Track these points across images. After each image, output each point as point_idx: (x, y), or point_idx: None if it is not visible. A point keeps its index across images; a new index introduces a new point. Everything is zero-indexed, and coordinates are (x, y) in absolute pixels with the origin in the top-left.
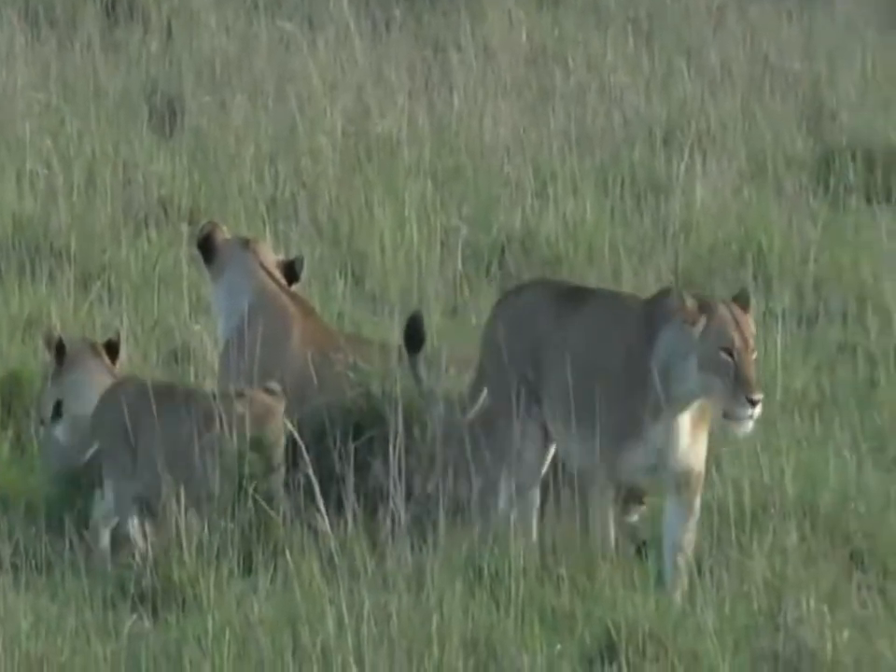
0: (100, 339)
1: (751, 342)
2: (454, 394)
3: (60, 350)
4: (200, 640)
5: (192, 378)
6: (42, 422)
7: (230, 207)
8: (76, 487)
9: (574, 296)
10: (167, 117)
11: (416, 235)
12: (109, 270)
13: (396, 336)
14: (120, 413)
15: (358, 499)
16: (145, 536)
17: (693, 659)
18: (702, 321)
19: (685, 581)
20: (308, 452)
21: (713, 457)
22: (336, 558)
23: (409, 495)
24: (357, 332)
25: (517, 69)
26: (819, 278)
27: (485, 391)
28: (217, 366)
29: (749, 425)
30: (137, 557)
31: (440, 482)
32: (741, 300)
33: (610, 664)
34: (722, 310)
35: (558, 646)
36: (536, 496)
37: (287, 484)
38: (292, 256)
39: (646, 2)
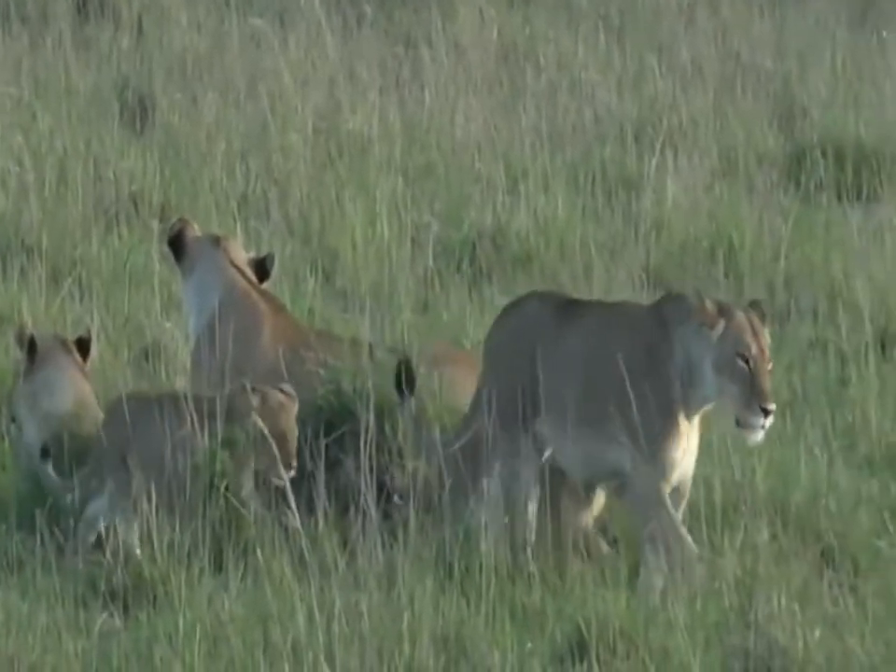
0: (71, 335)
1: (767, 351)
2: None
3: (31, 347)
4: (171, 638)
5: (163, 375)
6: (13, 419)
7: (200, 204)
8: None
9: (574, 306)
10: (138, 113)
11: (387, 232)
12: (80, 266)
13: (366, 333)
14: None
15: (329, 497)
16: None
17: (663, 656)
18: (721, 324)
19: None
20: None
21: None
22: (307, 556)
23: (380, 492)
24: (328, 329)
25: (488, 66)
26: (789, 275)
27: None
28: (188, 363)
29: (761, 434)
30: (108, 555)
31: (411, 480)
32: (757, 308)
33: (581, 661)
34: (741, 316)
35: (529, 643)
36: (532, 506)
37: (256, 482)
38: (263, 253)
39: None
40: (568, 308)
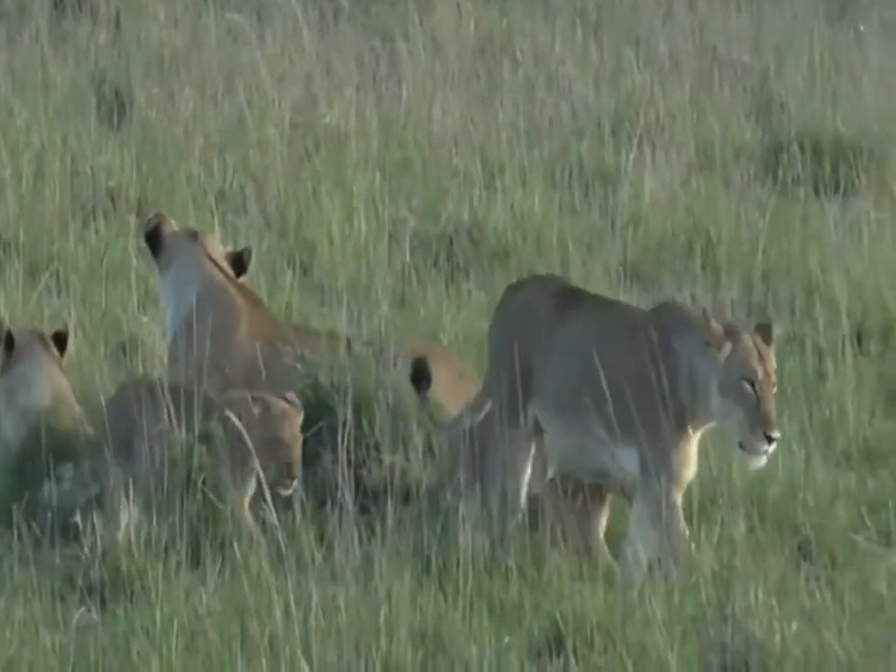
0: (48, 330)
1: (773, 376)
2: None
3: (9, 342)
4: (148, 632)
5: (140, 370)
6: None
7: (178, 199)
8: (24, 479)
9: (575, 295)
10: (115, 108)
11: (364, 227)
12: (57, 261)
13: (343, 327)
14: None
15: (307, 491)
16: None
17: (641, 651)
18: (727, 347)
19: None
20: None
21: None
22: (284, 550)
23: (357, 486)
24: (305, 323)
25: (465, 61)
26: (767, 270)
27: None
28: (165, 358)
29: (764, 460)
30: (86, 550)
31: (388, 474)
32: (763, 331)
33: (558, 655)
34: (747, 339)
35: (506, 638)
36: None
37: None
38: (240, 247)
39: None
40: (569, 295)
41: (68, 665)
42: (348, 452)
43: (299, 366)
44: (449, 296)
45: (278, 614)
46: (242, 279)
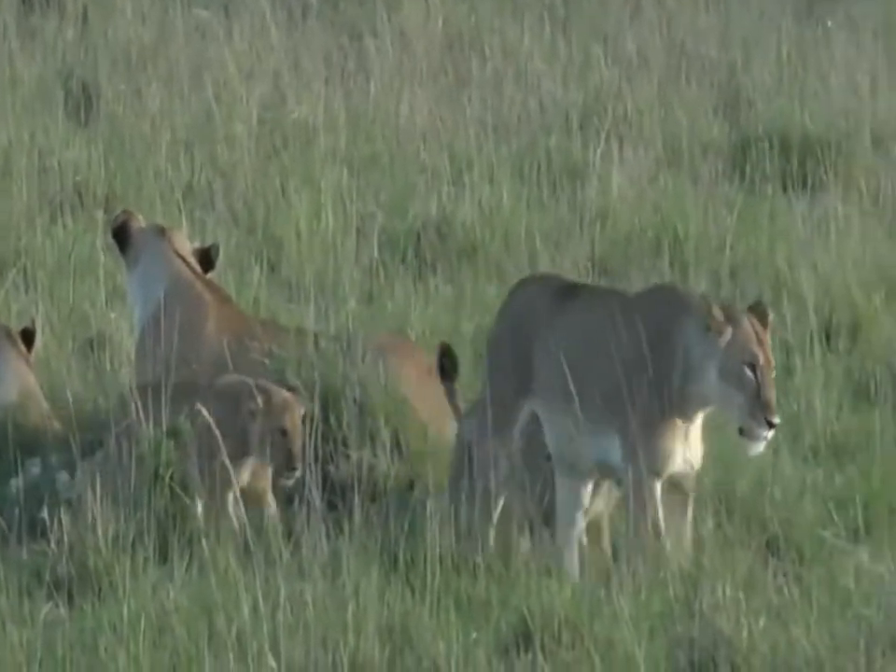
0: (15, 326)
1: (772, 360)
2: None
3: None
4: (115, 628)
5: (108, 366)
6: None
7: (145, 194)
8: None
9: (573, 289)
10: (83, 104)
11: (332, 222)
12: (25, 257)
13: (311, 323)
14: None
15: (274, 487)
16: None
17: (608, 646)
18: (728, 332)
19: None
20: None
21: None
22: (252, 546)
23: (324, 482)
24: (273, 319)
25: (433, 56)
26: (734, 266)
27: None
28: (133, 353)
29: (763, 445)
30: (53, 545)
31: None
32: (758, 312)
33: (526, 651)
34: (747, 323)
35: (474, 634)
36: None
37: (202, 473)
38: (208, 243)
39: None
40: (568, 290)
41: (35, 661)
42: (315, 447)
43: (266, 361)
44: (417, 291)
45: (246, 610)
46: (209, 275)
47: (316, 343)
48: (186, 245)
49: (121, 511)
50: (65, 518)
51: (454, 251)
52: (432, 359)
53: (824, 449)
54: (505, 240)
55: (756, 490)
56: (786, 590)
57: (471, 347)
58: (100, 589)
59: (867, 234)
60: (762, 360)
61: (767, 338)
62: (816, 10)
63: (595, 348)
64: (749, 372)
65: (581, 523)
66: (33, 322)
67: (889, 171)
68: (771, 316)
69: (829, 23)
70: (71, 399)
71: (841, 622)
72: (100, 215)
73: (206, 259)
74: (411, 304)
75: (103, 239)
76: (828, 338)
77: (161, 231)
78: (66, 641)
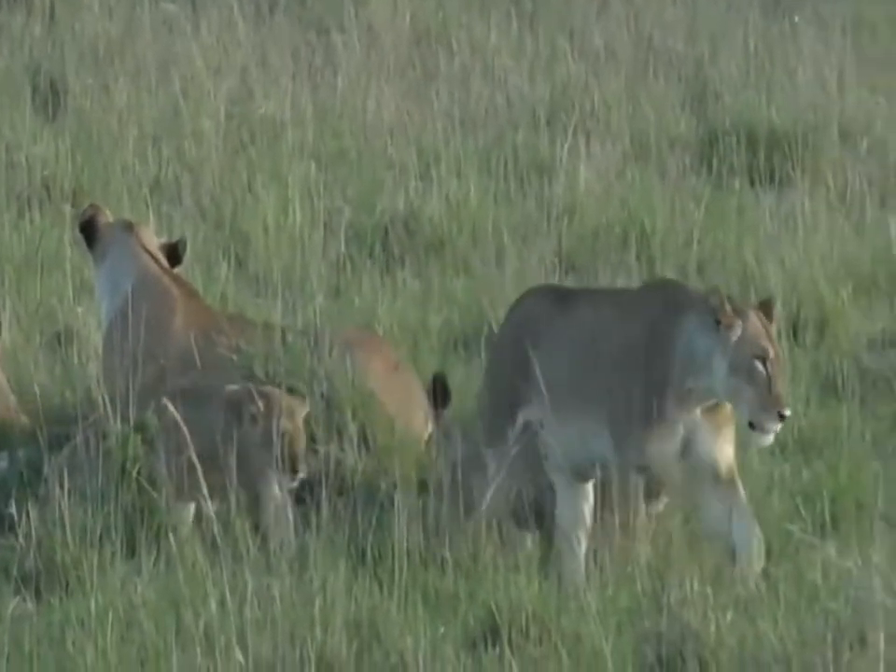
0: None
1: (781, 353)
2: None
3: None
4: (83, 623)
5: (76, 360)
6: None
7: (112, 189)
8: None
9: (575, 295)
10: (50, 99)
11: (300, 217)
12: None
13: (279, 318)
14: None
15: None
16: None
17: (576, 641)
18: (738, 326)
19: (758, 564)
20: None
21: None
22: (219, 541)
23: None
24: (241, 313)
25: (401, 51)
26: (702, 260)
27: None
28: (100, 348)
29: (772, 437)
30: (20, 539)
31: (323, 465)
32: (766, 308)
33: (494, 646)
34: (754, 318)
35: (441, 628)
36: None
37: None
38: (175, 238)
39: None
40: (568, 297)
41: (2, 656)
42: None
43: (234, 356)
44: (384, 286)
45: (213, 605)
46: (177, 270)
47: (284, 338)
48: (153, 239)
49: (89, 506)
50: (33, 512)
51: (421, 246)
52: (400, 354)
53: (791, 444)
54: (472, 234)
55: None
56: (753, 585)
57: (438, 341)
58: (67, 583)
59: (834, 229)
60: (771, 354)
61: (774, 332)
62: (783, 4)
63: (596, 346)
64: (759, 366)
65: (586, 526)
66: None
67: (856, 166)
68: (777, 311)
69: (796, 18)
70: (38, 393)
71: (808, 616)
72: (67, 209)
73: (173, 253)
74: (378, 299)
75: (70, 233)
76: (795, 333)
77: (129, 226)
78: (34, 636)
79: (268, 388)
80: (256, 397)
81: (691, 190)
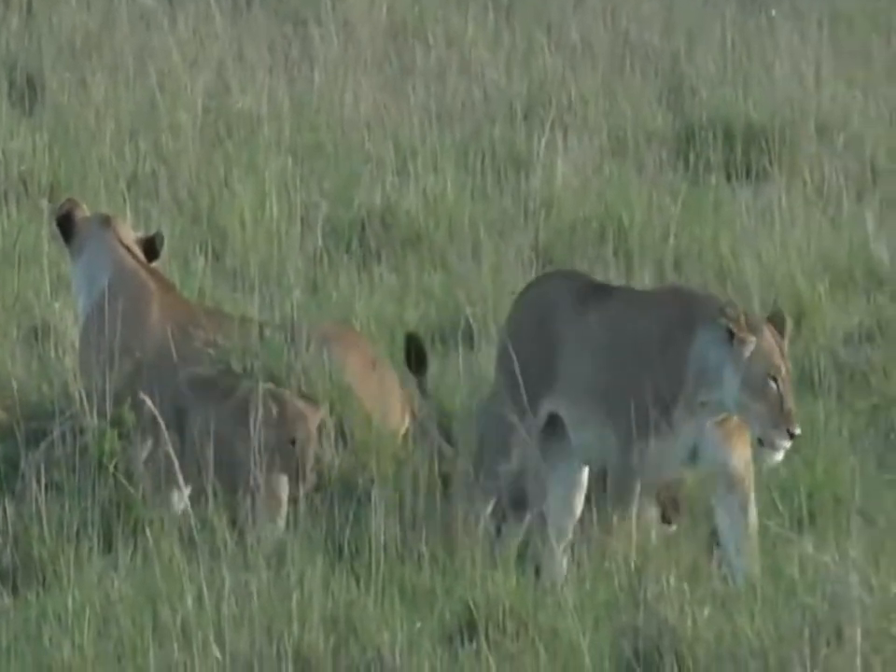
0: None
1: (790, 368)
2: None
3: None
4: (60, 618)
5: (53, 355)
6: None
7: (90, 183)
8: None
9: (598, 289)
10: (27, 93)
11: (276, 212)
12: None
13: (256, 312)
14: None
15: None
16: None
17: (553, 636)
18: (752, 342)
19: (756, 569)
20: (168, 428)
21: None
22: (196, 536)
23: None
24: (218, 307)
25: (377, 45)
26: (679, 255)
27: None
28: (77, 342)
29: (781, 455)
30: None
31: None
32: (777, 322)
33: (471, 641)
34: (768, 333)
35: (418, 623)
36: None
37: (146, 462)
38: (152, 232)
39: None
40: (591, 290)
41: None
42: (260, 436)
43: (211, 350)
44: (361, 281)
45: (190, 600)
46: (154, 264)
47: (261, 332)
48: (130, 234)
49: (66, 501)
50: (10, 508)
51: (398, 240)
52: (377, 349)
53: None
54: (449, 229)
55: (699, 480)
56: (730, 579)
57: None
58: (44, 579)
59: (811, 223)
60: (783, 371)
61: (785, 347)
62: None
63: (613, 347)
64: (771, 383)
65: (574, 517)
66: None
67: (832, 160)
68: (790, 325)
69: (773, 12)
70: (15, 388)
71: (785, 611)
72: (44, 204)
73: (151, 248)
74: (355, 293)
75: (47, 228)
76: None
77: (106, 221)
78: (10, 631)
79: (283, 391)
80: (268, 401)
81: (668, 185)
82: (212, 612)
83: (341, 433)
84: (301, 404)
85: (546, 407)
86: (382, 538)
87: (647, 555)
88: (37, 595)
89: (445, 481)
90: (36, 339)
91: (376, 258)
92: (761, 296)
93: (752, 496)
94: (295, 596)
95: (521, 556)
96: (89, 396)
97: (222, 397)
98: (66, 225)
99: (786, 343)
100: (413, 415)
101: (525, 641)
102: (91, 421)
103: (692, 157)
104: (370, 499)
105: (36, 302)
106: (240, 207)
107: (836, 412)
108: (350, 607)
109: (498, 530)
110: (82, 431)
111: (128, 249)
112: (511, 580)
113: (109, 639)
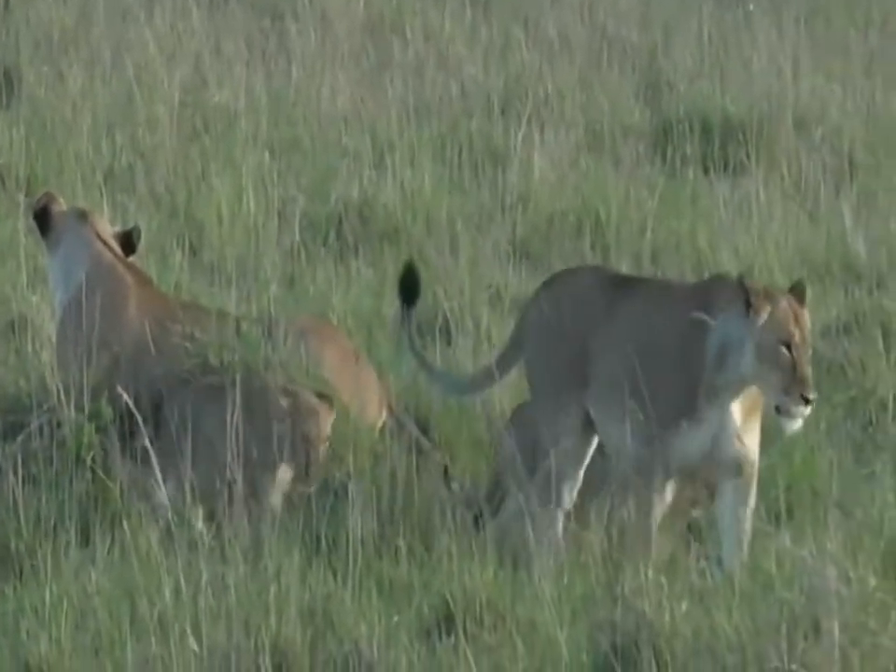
0: None
1: (808, 338)
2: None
3: None
4: (37, 611)
5: (30, 349)
6: None
7: (66, 177)
8: None
9: (625, 282)
10: (4, 87)
11: (254, 206)
12: None
13: (233, 307)
14: None
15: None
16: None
17: (530, 629)
18: (766, 310)
19: (742, 561)
20: (145, 423)
21: None
22: (174, 529)
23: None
24: (195, 301)
25: (355, 39)
26: (656, 248)
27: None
28: (54, 337)
29: (800, 422)
30: None
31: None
32: (798, 292)
33: (448, 634)
34: (784, 303)
35: (396, 617)
36: (572, 487)
37: (123, 455)
38: (129, 226)
39: None
40: (620, 284)
41: None
42: (237, 430)
43: (188, 345)
44: (338, 275)
45: (167, 593)
46: (131, 258)
47: (238, 326)
48: (107, 228)
49: (43, 495)
50: None
51: (375, 234)
52: (354, 343)
53: None
54: (426, 223)
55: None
56: (708, 574)
57: (393, 329)
58: (21, 572)
59: (788, 217)
60: (797, 338)
61: (805, 317)
62: None
63: (643, 347)
64: (784, 351)
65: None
66: None
67: (810, 154)
68: (809, 293)
69: (750, 6)
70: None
71: (763, 605)
72: (21, 198)
73: (128, 242)
74: (332, 287)
75: (24, 222)
76: None
77: (83, 215)
78: None
79: (295, 387)
80: (281, 395)
81: (645, 179)
82: (189, 605)
83: None
84: (314, 401)
85: (580, 405)
86: (359, 531)
87: (624, 548)
88: (14, 588)
89: (423, 474)
90: (13, 332)
91: (353, 251)
92: None
93: (755, 482)
94: (272, 590)
95: (499, 550)
96: (66, 389)
97: (218, 392)
98: (43, 219)
99: (806, 312)
100: (391, 409)
101: (502, 634)
102: (69, 414)
103: (669, 151)
104: (347, 493)
105: (13, 296)
106: (217, 201)
107: (814, 404)
108: (327, 600)
109: (476, 523)
110: (59, 425)
111: (105, 243)
112: (489, 573)
113: (87, 633)
